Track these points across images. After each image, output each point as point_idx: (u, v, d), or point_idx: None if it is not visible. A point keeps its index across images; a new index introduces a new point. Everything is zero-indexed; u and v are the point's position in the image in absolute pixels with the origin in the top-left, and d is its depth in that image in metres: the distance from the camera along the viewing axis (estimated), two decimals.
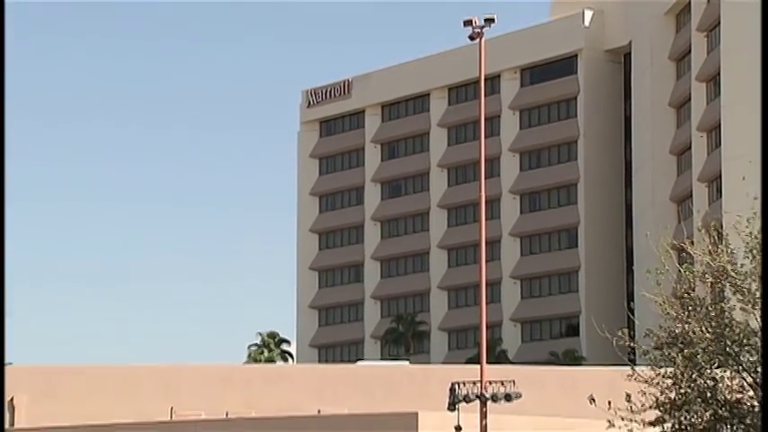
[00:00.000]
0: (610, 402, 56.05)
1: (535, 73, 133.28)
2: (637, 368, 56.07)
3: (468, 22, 60.58)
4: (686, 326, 53.00)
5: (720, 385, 52.63)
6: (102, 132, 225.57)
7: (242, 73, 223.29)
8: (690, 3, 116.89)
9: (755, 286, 52.50)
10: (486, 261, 69.93)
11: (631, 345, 58.74)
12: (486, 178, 68.19)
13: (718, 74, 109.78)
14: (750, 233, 53.29)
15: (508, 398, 59.83)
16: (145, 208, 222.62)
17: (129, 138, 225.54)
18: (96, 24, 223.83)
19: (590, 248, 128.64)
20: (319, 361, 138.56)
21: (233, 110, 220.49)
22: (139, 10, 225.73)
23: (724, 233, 55.23)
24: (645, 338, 57.57)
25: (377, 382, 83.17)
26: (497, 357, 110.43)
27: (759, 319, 52.67)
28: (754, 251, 52.97)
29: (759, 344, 52.56)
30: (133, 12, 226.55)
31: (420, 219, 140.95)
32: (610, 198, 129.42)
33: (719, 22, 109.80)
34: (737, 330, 52.19)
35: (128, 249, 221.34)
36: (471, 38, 61.02)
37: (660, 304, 54.85)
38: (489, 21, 60.46)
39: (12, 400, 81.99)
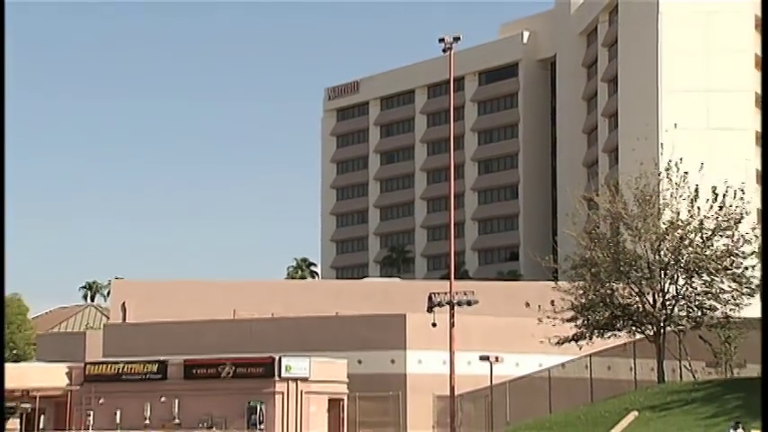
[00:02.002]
0: (540, 306, 56.65)
1: (488, 75, 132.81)
2: (558, 282, 56.74)
3: (441, 40, 60.43)
4: (592, 253, 53.56)
5: (616, 294, 53.25)
6: (176, 111, 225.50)
7: (283, 75, 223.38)
8: (596, 27, 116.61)
9: (641, 224, 53.01)
10: (454, 208, 70.31)
11: (555, 266, 59.33)
12: (454, 150, 68.29)
13: (616, 76, 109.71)
14: (637, 188, 53.80)
15: (469, 303, 60.07)
16: (224, 175, 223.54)
17: (203, 115, 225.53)
18: (140, 22, 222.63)
19: (526, 199, 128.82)
20: (337, 278, 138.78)
21: (277, 102, 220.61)
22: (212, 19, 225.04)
23: (619, 188, 55.77)
24: (564, 261, 58.09)
25: (377, 292, 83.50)
26: (461, 275, 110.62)
27: (645, 248, 53.14)
28: (640, 200, 53.49)
29: (644, 265, 53.06)
30: (190, 13, 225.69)
31: (408, 179, 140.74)
32: (541, 164, 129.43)
33: (617, 40, 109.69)
34: (628, 256, 52.79)
35: (210, 202, 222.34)
36: (444, 50, 61.01)
37: (575, 237, 55.45)
38: (456, 39, 60.37)
39: (124, 304, 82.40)
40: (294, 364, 59.96)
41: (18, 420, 61.14)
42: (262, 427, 58.27)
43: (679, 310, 52.77)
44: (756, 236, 53.26)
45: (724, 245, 51.91)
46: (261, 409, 58.90)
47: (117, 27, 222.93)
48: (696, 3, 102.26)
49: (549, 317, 53.98)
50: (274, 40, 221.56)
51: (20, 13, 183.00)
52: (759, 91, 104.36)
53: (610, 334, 54.78)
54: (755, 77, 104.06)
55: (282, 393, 59.35)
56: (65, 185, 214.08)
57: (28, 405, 61.20)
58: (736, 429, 38.81)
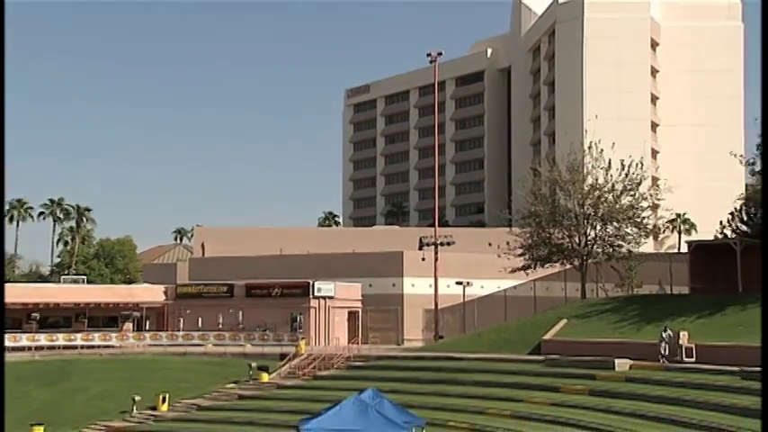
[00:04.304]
0: (498, 246, 56.80)
1: (462, 80, 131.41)
2: (512, 228, 56.84)
3: (428, 54, 60.21)
4: (536, 207, 53.57)
5: (552, 236, 53.30)
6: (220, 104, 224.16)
7: (316, 80, 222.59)
8: (540, 45, 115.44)
9: (571, 187, 52.87)
10: (438, 176, 70.22)
11: (509, 217, 59.40)
12: (438, 134, 68.15)
13: (554, 81, 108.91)
14: (568, 161, 53.62)
15: (448, 244, 60.30)
16: (274, 154, 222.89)
17: (256, 115, 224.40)
18: (177, 21, 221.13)
19: (490, 170, 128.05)
20: (354, 226, 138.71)
21: (313, 100, 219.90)
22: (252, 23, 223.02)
23: (556, 162, 55.65)
24: (516, 214, 58.15)
25: (383, 236, 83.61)
26: (443, 224, 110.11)
27: (573, 204, 53.04)
28: (570, 170, 53.33)
29: (572, 216, 52.99)
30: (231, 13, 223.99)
31: (404, 154, 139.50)
32: (500, 144, 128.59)
33: (554, 55, 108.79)
34: (561, 209, 52.79)
35: (265, 172, 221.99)
36: (430, 62, 60.68)
37: (524, 197, 55.41)
38: (439, 53, 60.05)
39: (203, 244, 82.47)
40: (323, 287, 60.21)
41: (131, 324, 61.87)
42: (301, 330, 58.67)
43: (597, 248, 52.90)
44: (651, 194, 53.53)
45: (629, 201, 52.01)
46: (300, 319, 59.27)
47: (174, 26, 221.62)
48: (610, 29, 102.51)
49: (505, 253, 54.18)
50: (312, 57, 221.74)
51: None
52: (653, 92, 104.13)
53: (548, 265, 55.00)
54: (651, 83, 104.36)
55: (315, 308, 59.60)
56: (161, 158, 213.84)
57: (137, 313, 61.87)
58: (665, 332, 38.72)
